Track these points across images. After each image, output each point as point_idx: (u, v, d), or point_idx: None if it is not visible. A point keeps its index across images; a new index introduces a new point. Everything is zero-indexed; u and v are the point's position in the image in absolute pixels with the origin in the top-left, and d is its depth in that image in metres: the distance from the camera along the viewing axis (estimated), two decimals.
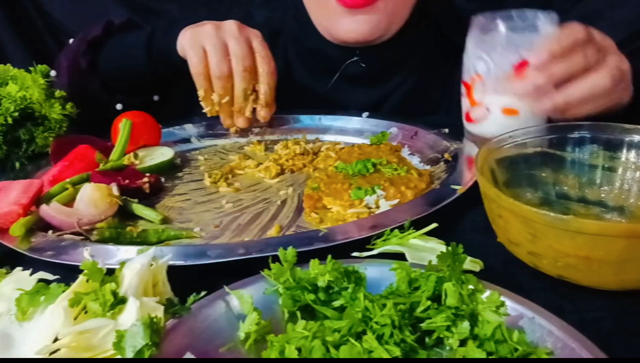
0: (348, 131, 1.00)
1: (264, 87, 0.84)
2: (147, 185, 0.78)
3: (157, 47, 0.95)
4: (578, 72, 0.65)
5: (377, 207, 0.70)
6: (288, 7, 1.06)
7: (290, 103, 1.07)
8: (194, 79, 0.84)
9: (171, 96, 1.08)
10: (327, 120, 1.03)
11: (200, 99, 0.85)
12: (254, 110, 0.89)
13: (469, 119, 0.80)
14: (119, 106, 1.00)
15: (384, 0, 0.90)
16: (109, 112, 0.96)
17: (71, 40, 1.05)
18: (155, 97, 1.05)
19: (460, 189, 0.68)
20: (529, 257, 0.53)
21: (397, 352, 0.40)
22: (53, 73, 0.95)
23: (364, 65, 1.01)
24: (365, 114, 1.01)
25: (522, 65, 0.70)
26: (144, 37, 0.97)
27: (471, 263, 0.52)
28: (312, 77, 1.09)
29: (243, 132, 1.03)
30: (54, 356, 0.42)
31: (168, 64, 0.92)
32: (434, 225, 0.59)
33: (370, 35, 0.94)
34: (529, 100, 0.68)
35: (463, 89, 0.80)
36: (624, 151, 0.63)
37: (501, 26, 0.73)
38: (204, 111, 0.87)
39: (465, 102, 0.80)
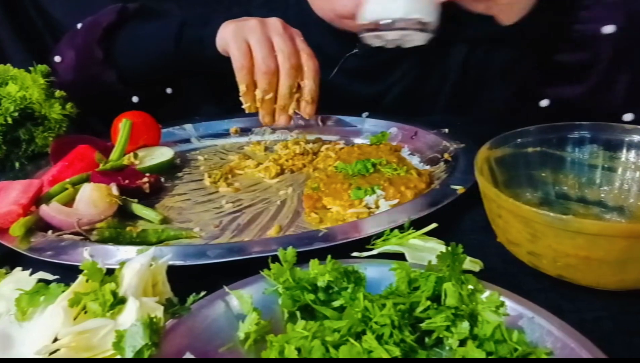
0: (348, 131, 1.00)
1: (310, 83, 0.82)
2: (147, 185, 0.78)
3: (188, 39, 0.92)
4: None
5: (377, 207, 0.70)
6: (289, 6, 1.06)
7: None
8: (236, 73, 0.81)
9: (182, 90, 1.07)
10: (327, 120, 1.03)
11: (241, 94, 0.82)
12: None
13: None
14: (135, 99, 0.98)
15: None
16: (110, 114, 0.95)
17: (79, 25, 1.01)
18: (169, 90, 1.03)
19: (460, 189, 0.68)
20: (528, 257, 0.53)
21: (396, 352, 0.40)
22: (58, 59, 0.93)
23: (365, 59, 1.01)
24: (365, 114, 1.01)
25: None
26: (174, 28, 0.93)
27: (471, 263, 0.52)
28: None
29: (243, 132, 1.03)
30: (53, 356, 0.42)
31: (199, 58, 0.90)
32: (433, 225, 0.59)
33: None
34: None
35: None
36: (624, 151, 0.63)
37: None
38: (243, 107, 0.84)
39: None
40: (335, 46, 1.00)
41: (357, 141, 0.96)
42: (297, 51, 0.82)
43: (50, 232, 0.66)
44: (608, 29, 0.74)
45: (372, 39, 0.81)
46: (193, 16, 0.94)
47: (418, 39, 0.80)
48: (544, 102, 0.85)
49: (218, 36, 0.86)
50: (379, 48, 0.93)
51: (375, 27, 0.79)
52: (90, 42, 0.97)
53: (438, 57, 1.05)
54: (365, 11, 0.79)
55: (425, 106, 1.06)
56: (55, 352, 0.42)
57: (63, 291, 0.46)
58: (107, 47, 0.97)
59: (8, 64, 0.92)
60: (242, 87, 0.82)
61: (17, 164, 0.90)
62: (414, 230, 0.58)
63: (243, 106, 0.84)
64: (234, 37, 0.82)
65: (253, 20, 0.83)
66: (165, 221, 0.72)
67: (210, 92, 1.08)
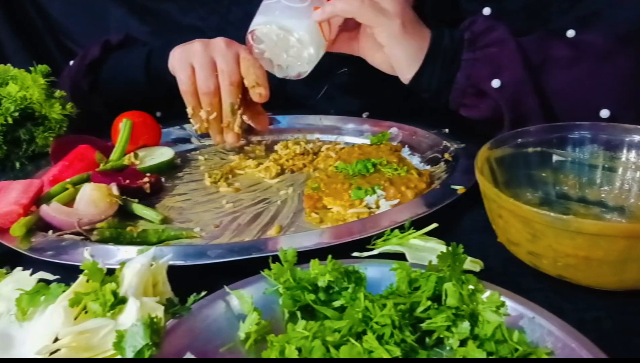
0: (348, 131, 1.00)
1: (250, 81, 0.83)
2: (147, 185, 0.78)
3: (154, 67, 0.96)
4: None
5: (377, 207, 0.70)
6: None
7: (283, 109, 1.07)
8: (183, 96, 0.85)
9: (173, 112, 1.08)
10: (327, 120, 1.03)
11: (189, 116, 0.86)
12: (243, 126, 0.89)
13: None
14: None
15: None
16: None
17: (71, 63, 1.07)
18: (158, 114, 1.05)
19: (460, 189, 0.68)
20: (529, 257, 0.53)
21: (397, 352, 0.40)
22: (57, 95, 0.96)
23: (354, 78, 1.01)
24: (365, 114, 1.01)
25: None
26: (142, 57, 0.98)
27: (471, 263, 0.52)
28: (303, 84, 1.08)
29: (243, 132, 1.03)
30: (54, 356, 0.42)
31: (165, 84, 0.93)
32: (434, 225, 0.59)
33: None
34: None
35: None
36: (624, 151, 0.63)
37: None
38: (194, 128, 0.87)
39: None
40: (326, 62, 0.99)
41: (358, 141, 0.96)
42: (239, 68, 0.83)
43: (50, 232, 0.66)
44: (495, 83, 0.75)
45: (263, 61, 0.83)
46: (160, 44, 0.98)
47: (299, 62, 0.81)
48: None
49: (169, 63, 0.89)
50: (368, 66, 0.93)
51: (252, 39, 0.80)
52: (77, 75, 1.03)
53: None
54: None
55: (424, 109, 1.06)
56: (55, 352, 0.42)
57: (63, 291, 0.46)
58: (91, 81, 1.03)
59: (8, 64, 0.93)
60: (189, 110, 0.85)
61: (17, 164, 0.90)
62: (414, 230, 0.58)
63: (194, 128, 0.87)
64: (179, 62, 0.85)
65: (197, 42, 0.85)
66: (165, 221, 0.72)
67: None
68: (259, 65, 0.83)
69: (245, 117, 0.89)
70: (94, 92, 1.03)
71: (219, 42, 0.84)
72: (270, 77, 0.86)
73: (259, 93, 0.84)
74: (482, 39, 0.77)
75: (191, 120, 0.86)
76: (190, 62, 0.84)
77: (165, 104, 1.06)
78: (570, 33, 0.82)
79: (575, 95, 0.76)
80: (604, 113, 0.74)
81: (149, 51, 0.98)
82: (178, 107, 0.92)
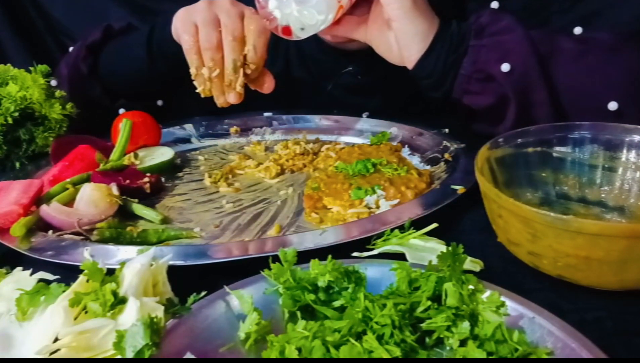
0: (348, 131, 1.00)
1: (251, 49, 0.81)
2: (147, 185, 0.78)
3: (156, 41, 0.94)
4: None
5: (377, 207, 0.70)
6: None
7: (289, 105, 1.07)
8: (186, 56, 0.82)
9: (174, 101, 1.08)
10: (327, 120, 1.03)
11: (192, 77, 0.83)
12: (245, 87, 0.86)
13: None
14: (121, 111, 0.99)
15: None
16: (111, 114, 0.96)
17: (71, 48, 1.06)
18: (159, 102, 1.05)
19: (460, 189, 0.68)
20: (529, 257, 0.53)
21: (397, 352, 0.40)
22: (54, 83, 0.95)
23: (359, 77, 1.01)
24: (366, 114, 1.01)
25: None
26: (144, 34, 0.97)
27: (471, 263, 0.52)
28: (311, 81, 1.09)
29: (244, 132, 1.03)
30: (54, 356, 0.42)
31: (167, 57, 0.92)
32: (434, 225, 0.59)
33: (362, 45, 0.92)
34: None
35: None
36: (624, 151, 0.63)
37: None
38: (197, 90, 0.85)
39: None
40: (329, 57, 1.00)
41: (358, 141, 0.96)
42: (243, 25, 0.81)
43: (50, 232, 0.66)
44: (504, 67, 0.74)
45: (269, 23, 0.80)
46: (162, 17, 0.95)
47: (307, 22, 0.78)
48: None
49: (172, 27, 0.86)
50: (373, 63, 0.93)
51: None
52: (76, 59, 1.01)
53: None
54: None
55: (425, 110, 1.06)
56: (55, 352, 0.42)
57: (63, 291, 0.46)
58: (90, 64, 1.01)
59: (8, 64, 0.92)
60: (192, 70, 0.82)
61: (17, 164, 0.90)
62: (414, 230, 0.58)
63: (197, 90, 0.83)
64: (182, 22, 0.83)
65: (201, 2, 0.83)
66: (165, 221, 0.72)
67: (202, 101, 1.09)
68: (258, 19, 0.81)
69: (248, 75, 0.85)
70: (92, 76, 1.01)
71: (224, 0, 0.83)
72: (277, 75, 0.85)
73: (263, 86, 0.84)
74: (490, 28, 0.77)
75: (194, 82, 0.83)
76: (194, 20, 0.81)
77: (166, 90, 1.05)
78: (578, 30, 0.82)
79: (582, 87, 0.76)
80: (612, 106, 0.74)
81: (151, 27, 0.96)
82: (179, 97, 0.91)
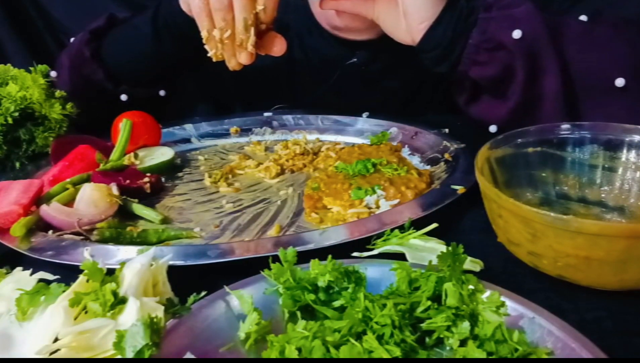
0: (348, 131, 1.00)
1: (262, 2, 0.78)
2: (148, 185, 0.78)
3: (162, 15, 0.94)
4: None
5: (377, 207, 0.70)
6: (288, 4, 1.06)
7: (292, 99, 1.06)
8: (197, 20, 0.80)
9: (176, 91, 1.07)
10: (327, 120, 1.03)
11: (204, 41, 0.81)
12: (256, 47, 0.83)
13: None
14: (123, 97, 0.98)
15: None
16: (112, 108, 0.95)
17: (72, 39, 1.05)
18: (162, 92, 1.04)
19: (460, 189, 0.68)
20: (529, 257, 0.53)
21: (397, 352, 0.40)
22: (54, 74, 0.95)
23: (363, 67, 1.01)
24: (366, 114, 1.01)
25: None
26: (149, 12, 0.96)
27: (471, 263, 0.52)
28: (314, 73, 1.08)
29: (244, 132, 1.03)
30: (54, 356, 0.42)
31: (174, 34, 0.90)
32: (434, 225, 0.59)
33: (372, 33, 0.94)
34: None
35: None
36: (624, 151, 0.63)
37: None
38: (209, 55, 0.83)
39: None
40: (333, 48, 1.00)
41: (358, 141, 0.96)
42: None
43: (50, 232, 0.66)
44: (516, 34, 0.74)
45: None
46: None
47: None
48: (493, 128, 0.85)
49: None
50: (377, 53, 0.92)
51: None
52: (79, 45, 1.00)
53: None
54: None
55: (427, 110, 1.06)
56: (55, 352, 0.42)
57: (63, 291, 0.46)
58: (94, 47, 0.99)
59: (8, 64, 0.92)
60: (203, 33, 0.81)
61: (17, 164, 0.90)
62: (414, 230, 0.58)
63: (209, 54, 0.82)
64: None
65: None
66: (165, 221, 0.72)
67: (205, 92, 1.08)
68: None
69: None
70: (95, 59, 0.99)
71: None
72: (279, 66, 0.84)
73: (275, 49, 0.81)
74: (498, 3, 0.77)
75: (206, 46, 0.81)
76: None
77: (169, 77, 1.04)
78: (583, 18, 0.82)
79: (589, 63, 0.76)
80: (619, 82, 0.74)
81: (157, 4, 0.95)
82: (181, 87, 0.90)
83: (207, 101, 1.20)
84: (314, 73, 1.09)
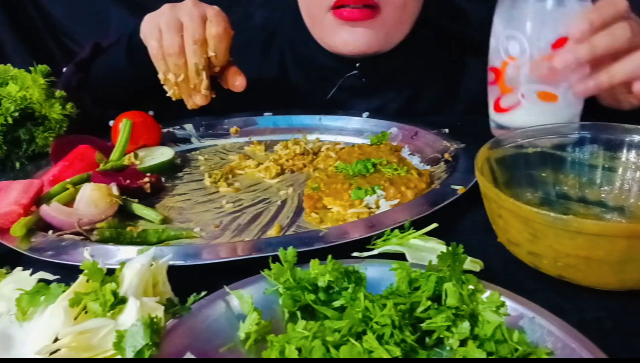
0: (348, 131, 1.00)
1: (212, 49, 0.81)
2: (148, 185, 0.78)
3: (134, 46, 0.94)
4: (622, 47, 0.60)
5: (377, 207, 0.70)
6: (289, 7, 1.06)
7: (288, 108, 1.06)
8: (153, 61, 0.83)
9: (166, 110, 1.07)
10: (327, 120, 1.03)
11: (162, 82, 0.84)
12: (214, 86, 0.86)
13: (498, 108, 0.73)
14: (110, 123, 0.99)
15: (386, 14, 0.89)
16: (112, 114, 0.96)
17: (64, 69, 1.08)
18: (151, 112, 1.04)
19: (460, 189, 0.68)
20: (529, 257, 0.53)
21: (397, 352, 0.40)
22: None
23: (363, 79, 1.01)
24: (366, 114, 1.01)
25: (560, 42, 0.64)
26: (125, 41, 0.97)
27: (471, 263, 0.52)
28: (308, 83, 1.08)
29: (244, 132, 1.03)
30: (54, 356, 0.42)
31: (144, 62, 0.90)
32: (434, 225, 0.59)
33: (368, 49, 0.94)
34: (569, 79, 0.62)
35: (491, 76, 0.73)
36: (624, 151, 0.63)
37: (533, 1, 0.66)
38: (167, 95, 0.85)
39: (494, 90, 0.74)
40: (331, 59, 1.00)
41: (358, 141, 0.96)
42: (203, 27, 0.80)
43: (50, 232, 0.66)
44: None
45: None
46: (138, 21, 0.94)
47: None
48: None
49: (140, 33, 0.86)
50: (377, 66, 0.91)
51: None
52: (68, 75, 1.04)
53: (437, 68, 1.05)
54: None
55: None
56: (55, 352, 0.42)
57: (63, 291, 0.46)
58: (80, 78, 1.03)
59: (8, 64, 0.92)
60: (160, 76, 0.83)
61: (17, 164, 0.90)
62: (414, 230, 0.57)
63: (168, 94, 0.84)
64: (148, 27, 0.83)
65: (165, 6, 0.83)
66: (165, 221, 0.72)
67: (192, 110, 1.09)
68: (220, 22, 0.80)
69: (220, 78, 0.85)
70: (82, 90, 1.03)
71: (187, 2, 0.83)
72: (275, 74, 0.84)
73: (234, 84, 0.83)
74: None
75: (165, 87, 0.84)
76: (158, 25, 0.82)
77: (155, 98, 1.05)
78: None
79: None
80: None
81: (130, 32, 0.96)
82: (172, 107, 0.91)
83: (195, 113, 1.20)
84: (308, 81, 1.08)
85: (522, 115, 0.72)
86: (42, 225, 0.67)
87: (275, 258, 0.50)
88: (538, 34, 0.66)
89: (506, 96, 0.72)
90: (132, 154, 0.86)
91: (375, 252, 0.57)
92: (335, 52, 0.96)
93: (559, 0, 0.66)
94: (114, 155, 0.84)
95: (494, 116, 0.77)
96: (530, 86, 0.69)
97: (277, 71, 1.09)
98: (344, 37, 0.93)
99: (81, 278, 0.46)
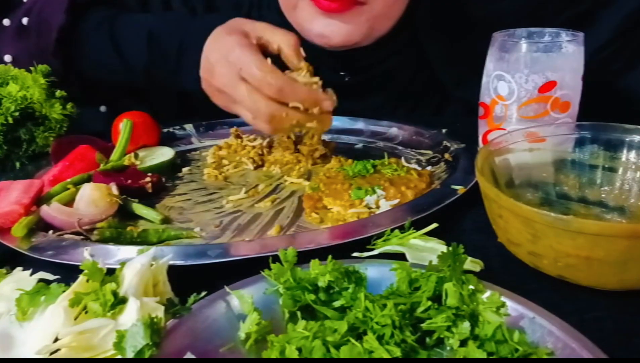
0: (348, 131, 1.00)
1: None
2: (149, 185, 0.78)
3: (160, 73, 0.91)
4: None
5: (378, 207, 0.70)
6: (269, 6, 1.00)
7: None
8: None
9: (166, 110, 1.07)
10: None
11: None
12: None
13: (486, 142, 0.75)
14: (102, 108, 0.97)
15: (369, 5, 0.83)
16: (111, 114, 0.95)
17: (25, 21, 0.93)
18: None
19: (460, 189, 0.68)
20: (529, 257, 0.53)
21: (397, 352, 0.40)
22: (8, 58, 0.90)
23: (347, 78, 0.99)
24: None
25: (548, 86, 0.67)
26: (142, 53, 0.91)
27: (471, 264, 0.52)
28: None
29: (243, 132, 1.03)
30: (54, 356, 0.42)
31: (174, 88, 0.88)
32: (434, 225, 0.59)
33: (345, 41, 0.86)
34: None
35: (481, 110, 0.75)
36: (625, 151, 0.63)
37: (524, 44, 0.68)
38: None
39: (483, 125, 0.75)
40: (327, 66, 0.98)
41: (357, 141, 0.96)
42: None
43: (51, 232, 0.66)
44: None
45: None
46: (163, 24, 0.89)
47: None
48: None
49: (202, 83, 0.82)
50: (366, 70, 0.89)
51: None
52: (44, 50, 0.93)
53: (423, 77, 1.05)
54: None
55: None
56: (55, 352, 0.42)
57: (64, 291, 0.46)
58: (65, 55, 0.94)
59: (9, 64, 0.92)
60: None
61: (17, 164, 0.90)
62: (414, 230, 0.57)
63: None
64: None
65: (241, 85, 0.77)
66: (165, 221, 0.72)
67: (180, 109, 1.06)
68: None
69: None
70: (68, 72, 0.94)
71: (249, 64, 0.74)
72: None
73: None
74: None
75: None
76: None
77: (154, 98, 1.03)
78: None
79: None
80: None
81: (148, 61, 0.91)
82: (172, 107, 0.90)
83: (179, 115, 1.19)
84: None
85: None
86: (43, 225, 0.67)
87: (276, 258, 0.50)
88: (525, 77, 0.68)
89: (494, 133, 0.73)
90: (132, 154, 0.86)
91: (375, 252, 0.57)
92: (313, 43, 0.89)
93: (548, 45, 0.68)
94: (115, 155, 0.84)
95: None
96: (517, 126, 0.70)
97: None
98: (319, 29, 0.85)
99: (81, 278, 0.46)
